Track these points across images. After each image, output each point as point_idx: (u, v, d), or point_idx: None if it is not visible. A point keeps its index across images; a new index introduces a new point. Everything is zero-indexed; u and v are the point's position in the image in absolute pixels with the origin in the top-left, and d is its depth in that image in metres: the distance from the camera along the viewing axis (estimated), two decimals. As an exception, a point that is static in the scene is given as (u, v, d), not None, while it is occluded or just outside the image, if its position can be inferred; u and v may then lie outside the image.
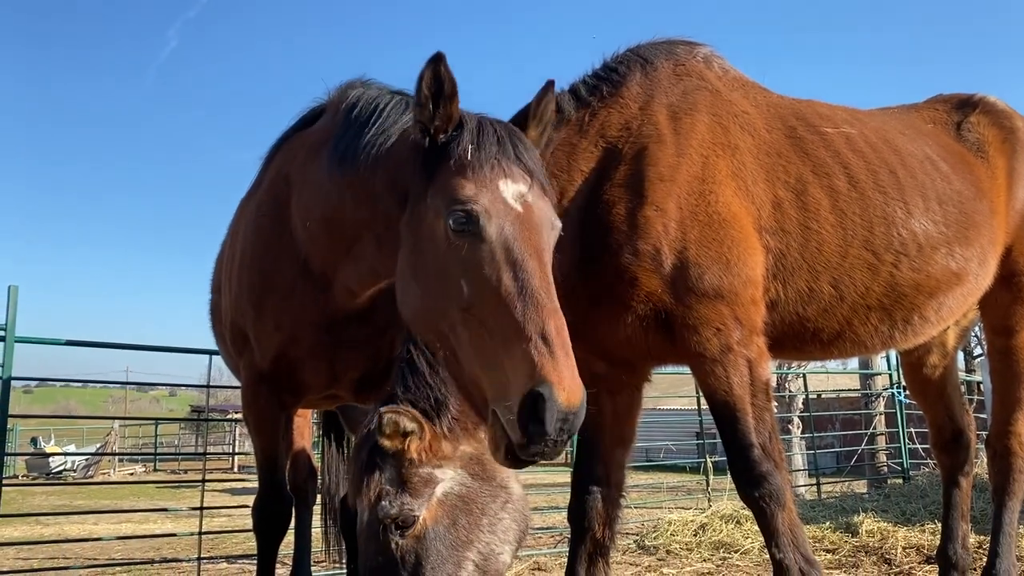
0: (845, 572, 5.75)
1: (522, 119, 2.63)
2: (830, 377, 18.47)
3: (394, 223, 2.59)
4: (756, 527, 3.09)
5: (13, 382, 6.33)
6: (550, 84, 2.63)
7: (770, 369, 3.11)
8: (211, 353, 7.23)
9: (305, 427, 5.92)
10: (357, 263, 3.00)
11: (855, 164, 3.42)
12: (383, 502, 2.66)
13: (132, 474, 28.31)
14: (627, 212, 2.98)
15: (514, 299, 2.11)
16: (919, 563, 5.84)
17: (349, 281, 3.11)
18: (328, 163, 2.99)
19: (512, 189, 2.32)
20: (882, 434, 13.34)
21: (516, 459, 2.10)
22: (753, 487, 2.92)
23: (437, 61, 2.32)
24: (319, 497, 5.69)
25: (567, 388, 1.99)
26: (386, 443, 2.67)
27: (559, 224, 2.44)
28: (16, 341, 6.20)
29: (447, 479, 2.74)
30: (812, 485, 11.64)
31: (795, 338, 3.38)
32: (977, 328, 4.75)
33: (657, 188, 2.99)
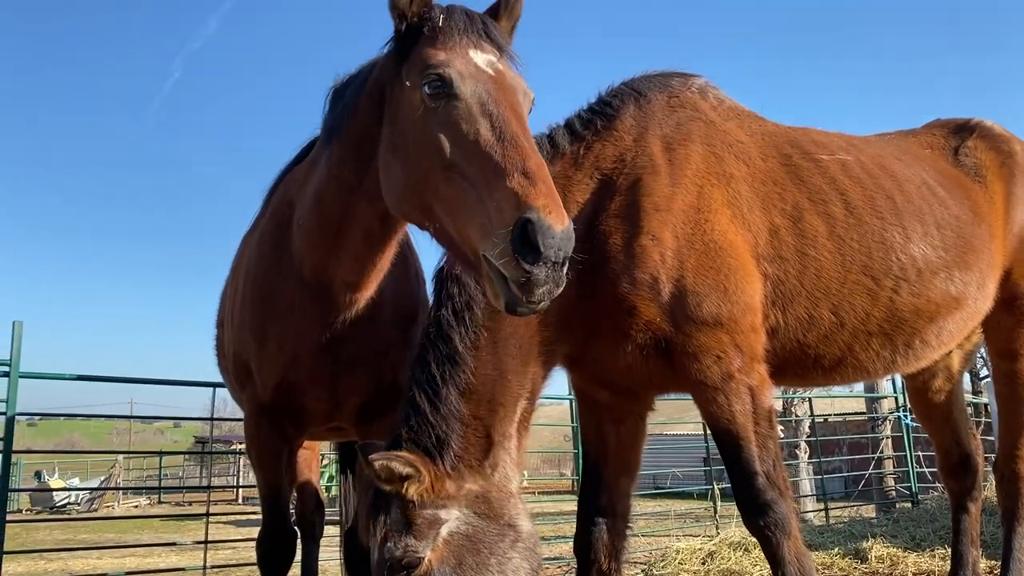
0: (855, 600, 5.68)
1: (493, 12, 2.68)
2: (836, 401, 18.38)
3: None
4: (764, 555, 3.08)
5: (17, 416, 6.34)
6: None
7: (773, 396, 3.11)
8: (215, 385, 7.24)
9: (313, 459, 5.90)
10: (350, 244, 2.99)
11: (852, 190, 3.44)
12: (388, 544, 2.66)
13: (136, 507, 28.15)
14: (624, 242, 3.00)
15: (493, 145, 2.14)
16: (930, 589, 5.78)
17: (347, 272, 3.09)
18: (320, 146, 3.07)
19: (483, 57, 2.38)
20: (889, 458, 13.24)
21: (517, 301, 2.04)
22: (758, 516, 2.91)
23: None
24: (338, 529, 5.65)
25: (553, 211, 1.98)
26: (386, 487, 2.67)
27: (532, 94, 2.49)
28: (21, 376, 6.22)
29: (452, 519, 2.71)
30: (820, 510, 11.54)
31: (797, 365, 3.38)
32: (984, 349, 4.74)
33: (653, 218, 3.01)
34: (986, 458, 5.07)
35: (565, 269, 2.04)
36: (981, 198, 3.92)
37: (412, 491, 2.66)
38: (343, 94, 2.96)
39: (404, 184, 2.43)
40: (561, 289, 2.06)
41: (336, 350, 3.31)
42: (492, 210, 2.05)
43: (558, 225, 1.97)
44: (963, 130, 4.23)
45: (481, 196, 2.10)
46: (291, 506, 5.74)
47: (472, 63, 2.35)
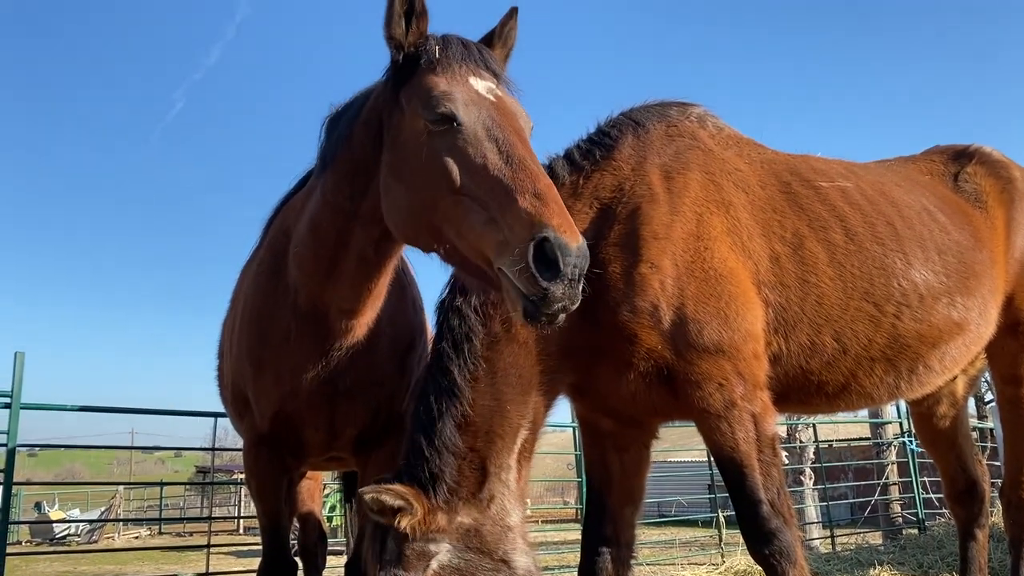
0: (863, 629, 5.61)
1: (487, 41, 2.74)
2: (840, 426, 18.28)
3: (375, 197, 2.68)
4: (770, 584, 3.05)
5: (18, 447, 6.31)
6: (514, 10, 2.78)
7: (776, 423, 3.10)
8: (216, 415, 7.21)
9: (316, 490, 5.86)
10: (345, 270, 3.00)
11: (852, 217, 3.46)
12: (381, 574, 2.68)
13: (137, 537, 27.92)
14: (623, 270, 3.00)
15: (502, 169, 2.20)
16: (939, 618, 5.70)
17: (342, 298, 3.09)
18: (315, 175, 3.10)
19: (482, 84, 2.45)
20: (895, 484, 13.13)
21: (536, 314, 2.09)
22: (763, 544, 2.88)
23: None
24: (340, 560, 5.61)
25: (568, 231, 2.04)
26: (379, 519, 2.70)
27: (531, 121, 2.54)
28: (22, 408, 6.19)
29: (443, 552, 2.72)
30: (826, 537, 11.42)
31: (800, 391, 3.37)
32: (988, 374, 4.76)
33: (652, 246, 3.02)
34: (992, 484, 5.04)
35: (581, 286, 2.09)
36: (982, 224, 3.93)
37: (404, 523, 2.68)
38: (338, 123, 2.99)
39: (410, 208, 2.46)
40: (577, 304, 2.10)
41: (333, 379, 3.30)
42: (506, 229, 2.10)
43: (573, 242, 2.03)
44: (962, 156, 4.25)
45: (494, 217, 2.15)
46: (293, 536, 5.70)
47: (473, 90, 2.40)
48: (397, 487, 2.71)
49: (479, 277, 2.36)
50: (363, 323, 3.21)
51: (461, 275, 2.69)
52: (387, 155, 2.57)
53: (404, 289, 3.65)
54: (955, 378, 4.54)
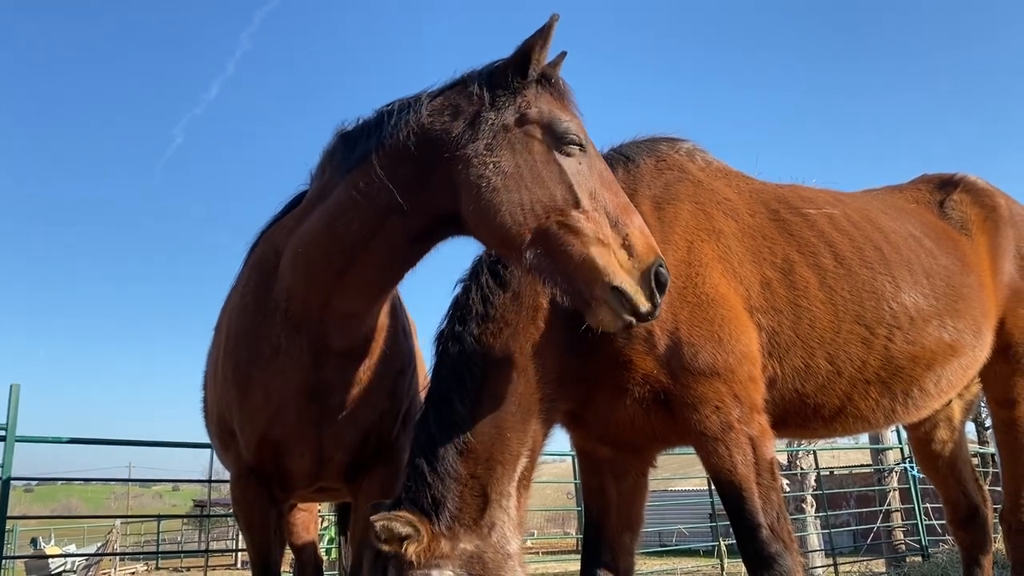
0: (867, 658, 5.55)
1: None
2: (841, 453, 18.20)
3: (431, 187, 2.75)
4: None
5: (13, 481, 6.28)
6: (563, 54, 2.87)
7: (774, 447, 3.10)
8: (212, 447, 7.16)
9: (311, 522, 5.81)
10: (364, 268, 2.92)
11: (840, 242, 3.50)
12: None
13: (134, 573, 27.60)
14: None
15: (616, 201, 2.61)
16: (943, 646, 5.64)
17: (350, 301, 3.03)
18: (330, 180, 3.01)
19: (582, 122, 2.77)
20: (898, 510, 13.05)
21: (634, 324, 2.53)
22: (764, 569, 2.88)
23: (555, 19, 2.66)
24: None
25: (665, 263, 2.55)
26: (385, 548, 2.68)
27: None
28: (17, 440, 6.16)
29: None
30: (829, 566, 11.33)
31: (797, 415, 3.38)
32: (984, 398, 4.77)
33: None
34: (995, 509, 5.01)
35: None
36: (968, 249, 3.98)
37: (411, 551, 2.67)
38: (376, 123, 2.90)
39: (521, 206, 2.53)
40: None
41: (321, 397, 3.24)
42: (626, 254, 2.50)
43: (668, 272, 2.56)
44: (948, 184, 4.32)
45: (609, 240, 2.50)
46: (289, 569, 5.64)
47: (584, 127, 2.70)
48: (405, 514, 2.70)
49: (570, 288, 2.54)
50: (357, 335, 3.18)
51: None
52: (490, 154, 2.60)
53: (396, 315, 3.62)
54: (951, 403, 4.54)
